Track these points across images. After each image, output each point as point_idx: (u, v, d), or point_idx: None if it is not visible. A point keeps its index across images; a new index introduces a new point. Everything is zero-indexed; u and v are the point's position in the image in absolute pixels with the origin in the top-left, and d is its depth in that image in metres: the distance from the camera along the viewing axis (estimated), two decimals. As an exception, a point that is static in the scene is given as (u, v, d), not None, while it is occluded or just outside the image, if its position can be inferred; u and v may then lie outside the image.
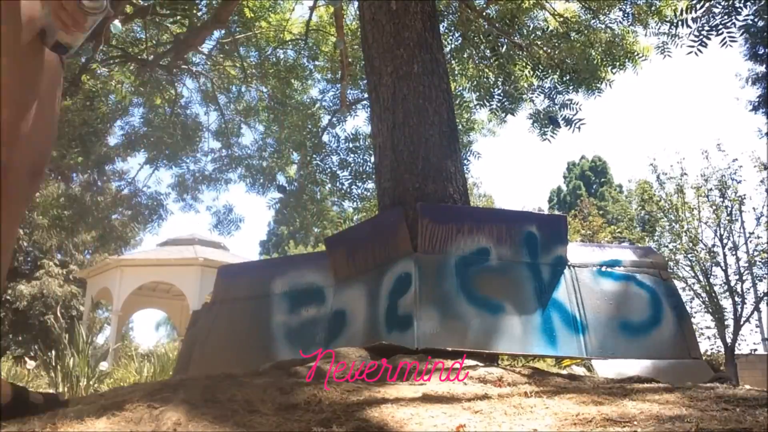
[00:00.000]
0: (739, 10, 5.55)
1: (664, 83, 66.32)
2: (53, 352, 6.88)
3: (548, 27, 8.20)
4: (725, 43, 5.68)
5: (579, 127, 8.16)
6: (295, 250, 30.35)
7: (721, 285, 13.93)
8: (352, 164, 10.11)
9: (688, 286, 14.22)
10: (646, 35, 7.94)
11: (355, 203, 10.54)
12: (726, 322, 13.68)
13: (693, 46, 5.86)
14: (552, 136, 8.32)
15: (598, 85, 8.21)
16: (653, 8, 7.63)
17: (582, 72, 7.92)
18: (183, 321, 18.97)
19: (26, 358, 11.90)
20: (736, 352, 13.48)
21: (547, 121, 8.32)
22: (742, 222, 14.27)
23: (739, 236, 14.11)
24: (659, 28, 7.56)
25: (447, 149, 4.48)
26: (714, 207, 13.98)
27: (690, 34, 5.88)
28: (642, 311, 3.99)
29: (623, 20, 8.00)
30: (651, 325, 3.95)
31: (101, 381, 7.00)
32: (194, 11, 8.61)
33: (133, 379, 7.44)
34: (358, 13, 7.03)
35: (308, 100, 10.69)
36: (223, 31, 9.39)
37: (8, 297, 20.61)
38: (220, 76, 10.30)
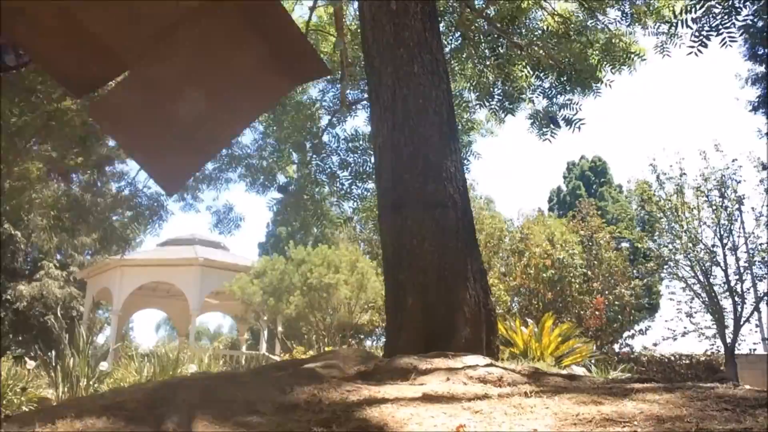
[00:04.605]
0: (739, 10, 5.55)
1: (663, 83, 66.29)
2: (53, 352, 6.86)
3: (548, 27, 8.20)
4: (725, 43, 5.68)
5: (579, 127, 8.15)
6: (294, 251, 30.22)
7: (720, 285, 13.90)
8: (352, 164, 10.09)
9: (688, 286, 14.20)
10: (645, 35, 7.93)
11: (355, 203, 10.52)
12: (726, 322, 13.65)
13: (693, 47, 5.86)
14: (552, 136, 8.32)
15: (597, 85, 8.20)
16: (651, 9, 7.62)
17: (581, 72, 7.92)
18: (183, 321, 18.97)
19: (26, 358, 11.87)
20: (736, 352, 13.45)
21: (546, 121, 8.31)
22: (742, 222, 14.24)
23: (739, 236, 14.07)
24: (658, 28, 7.56)
25: (447, 149, 4.47)
26: (713, 207, 13.96)
27: (691, 35, 5.88)
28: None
29: (622, 21, 8.00)
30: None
31: (101, 381, 6.98)
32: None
33: (133, 379, 7.42)
34: (358, 13, 7.02)
35: (308, 100, 10.67)
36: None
37: (8, 297, 20.58)
38: (219, 76, 10.25)
